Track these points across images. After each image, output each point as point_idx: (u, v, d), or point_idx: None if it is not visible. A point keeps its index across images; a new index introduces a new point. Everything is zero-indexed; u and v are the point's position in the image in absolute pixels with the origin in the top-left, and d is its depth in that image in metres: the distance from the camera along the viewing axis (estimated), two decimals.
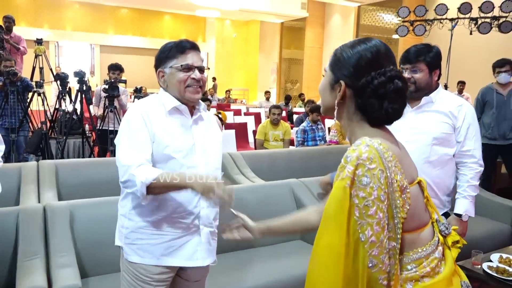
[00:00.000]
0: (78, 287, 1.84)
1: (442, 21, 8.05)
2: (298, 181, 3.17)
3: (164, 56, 1.63)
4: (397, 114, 1.06)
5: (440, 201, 2.14)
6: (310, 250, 2.80)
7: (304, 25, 14.95)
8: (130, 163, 1.51)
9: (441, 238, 1.08)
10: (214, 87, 15.53)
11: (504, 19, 7.56)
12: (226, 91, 12.91)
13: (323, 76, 1.14)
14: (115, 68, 5.07)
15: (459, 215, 2.12)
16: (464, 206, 2.11)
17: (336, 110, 1.08)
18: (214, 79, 17.01)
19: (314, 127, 5.65)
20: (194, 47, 1.64)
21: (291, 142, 5.90)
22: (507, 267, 2.31)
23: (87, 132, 5.37)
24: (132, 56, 16.89)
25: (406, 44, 11.24)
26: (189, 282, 1.78)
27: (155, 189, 1.50)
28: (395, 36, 12.03)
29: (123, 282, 1.70)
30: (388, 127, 2.21)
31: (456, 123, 2.07)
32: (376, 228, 0.92)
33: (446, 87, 8.26)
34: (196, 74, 1.61)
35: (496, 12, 7.58)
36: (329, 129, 6.17)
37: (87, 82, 4.93)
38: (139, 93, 5.13)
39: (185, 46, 1.62)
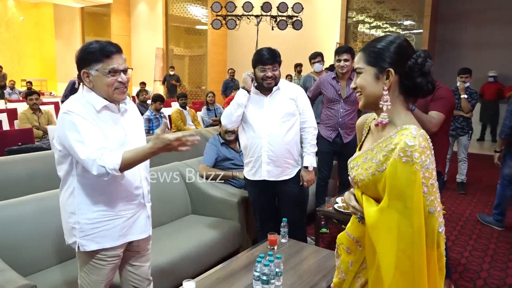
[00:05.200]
0: (32, 286, 1.82)
1: (249, 17, 9.19)
2: (182, 163, 3.50)
3: (89, 58, 1.70)
4: (434, 86, 1.22)
5: (295, 161, 2.78)
6: (202, 221, 3.17)
7: (109, 12, 14.36)
8: (93, 156, 1.60)
9: None
10: (4, 77, 13.43)
11: (295, 18, 9.17)
12: (27, 82, 11.44)
13: (359, 74, 1.26)
14: None
15: (306, 167, 2.79)
16: (309, 160, 2.78)
17: (386, 97, 1.20)
18: (0, 67, 14.63)
19: (157, 116, 5.88)
20: (118, 50, 1.74)
21: None
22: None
23: None
24: None
25: (214, 35, 12.25)
26: (139, 253, 2.01)
27: (126, 167, 1.64)
28: (199, 27, 12.90)
29: (80, 265, 1.85)
30: (251, 109, 2.68)
31: (298, 102, 2.74)
32: (439, 201, 1.12)
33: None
34: (122, 77, 1.73)
35: (290, 12, 9.13)
36: (169, 116, 6.47)
37: None
38: None
39: (111, 51, 1.70)
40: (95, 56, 1.69)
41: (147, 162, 1.94)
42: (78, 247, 1.77)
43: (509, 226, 4.17)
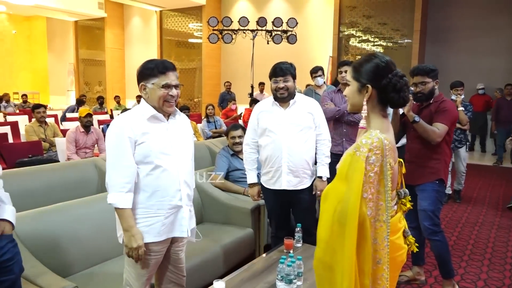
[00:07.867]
0: (74, 287, 1.94)
1: (245, 31, 9.42)
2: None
3: (147, 73, 1.97)
4: (407, 100, 1.49)
5: (311, 171, 2.94)
6: (217, 228, 3.32)
7: (103, 25, 14.51)
8: (112, 183, 1.87)
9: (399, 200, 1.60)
10: None
11: (290, 32, 9.44)
12: (22, 95, 11.48)
13: (348, 85, 1.55)
14: None
15: (320, 177, 2.95)
16: (323, 171, 2.94)
17: (364, 107, 1.48)
18: None
19: None
20: (173, 68, 2.00)
21: None
22: None
23: None
24: None
25: (208, 48, 12.45)
26: (177, 255, 2.19)
27: (119, 213, 1.90)
28: (193, 40, 13.10)
29: (126, 259, 2.00)
30: (272, 122, 2.81)
31: (315, 116, 2.90)
32: (371, 190, 1.37)
33: (252, 87, 9.72)
34: (173, 92, 1.98)
35: (285, 26, 9.40)
36: None
37: None
38: None
39: (166, 68, 1.97)
40: (153, 72, 1.95)
41: (190, 166, 2.10)
42: (123, 240, 1.93)
43: (503, 226, 4.38)
